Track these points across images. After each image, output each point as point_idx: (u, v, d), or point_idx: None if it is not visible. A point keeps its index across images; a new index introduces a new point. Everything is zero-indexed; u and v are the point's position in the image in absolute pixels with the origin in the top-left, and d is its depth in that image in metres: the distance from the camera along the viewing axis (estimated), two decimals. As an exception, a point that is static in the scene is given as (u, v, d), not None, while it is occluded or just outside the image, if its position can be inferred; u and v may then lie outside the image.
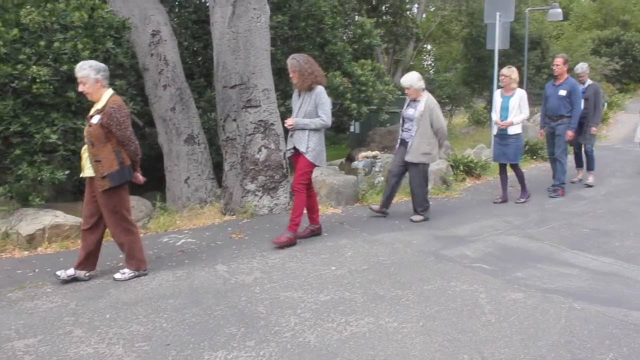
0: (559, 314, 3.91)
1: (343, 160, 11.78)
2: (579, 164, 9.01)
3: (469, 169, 9.02)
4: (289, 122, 5.59)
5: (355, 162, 8.32)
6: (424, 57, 29.92)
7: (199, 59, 9.66)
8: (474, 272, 4.78)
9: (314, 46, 9.82)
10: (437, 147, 6.65)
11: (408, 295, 4.28)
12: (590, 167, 8.79)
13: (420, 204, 6.66)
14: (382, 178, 8.18)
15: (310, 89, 5.47)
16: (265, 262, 5.12)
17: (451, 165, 8.75)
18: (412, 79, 6.51)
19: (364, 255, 5.29)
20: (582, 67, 8.65)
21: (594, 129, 8.40)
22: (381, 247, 5.56)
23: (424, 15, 24.89)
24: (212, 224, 6.63)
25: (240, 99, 6.85)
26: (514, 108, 7.28)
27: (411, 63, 23.77)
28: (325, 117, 5.50)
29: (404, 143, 6.67)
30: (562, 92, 7.81)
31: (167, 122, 7.38)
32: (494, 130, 7.60)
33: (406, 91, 6.61)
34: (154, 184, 9.22)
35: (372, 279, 4.64)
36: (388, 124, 11.68)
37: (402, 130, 6.72)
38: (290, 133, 5.71)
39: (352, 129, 13.55)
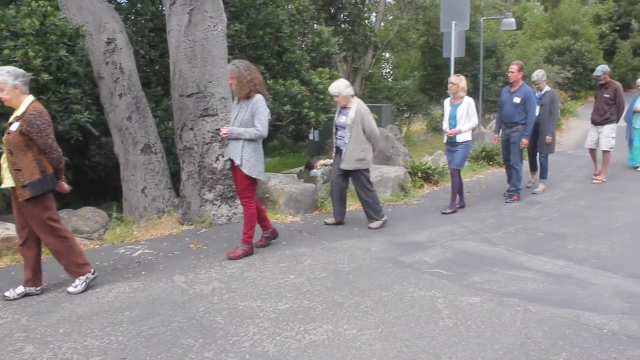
0: (515, 316, 4.00)
1: (302, 168, 11.78)
2: (533, 168, 9.16)
3: (427, 176, 9.13)
4: (223, 130, 5.48)
5: (314, 170, 8.33)
6: (383, 65, 30.21)
7: (156, 67, 9.55)
8: (431, 278, 4.84)
9: (271, 54, 9.83)
10: (372, 152, 6.65)
11: (367, 302, 4.31)
12: (542, 176, 8.94)
13: (372, 209, 6.66)
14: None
15: (248, 97, 5.36)
16: (224, 271, 5.09)
17: (409, 172, 8.84)
18: (339, 86, 6.49)
19: (322, 263, 5.31)
20: (538, 74, 8.72)
21: (548, 137, 8.46)
22: (340, 254, 5.58)
23: (382, 24, 25.15)
24: (169, 234, 6.56)
25: (197, 108, 6.80)
26: (461, 116, 7.31)
27: (370, 71, 23.98)
28: (261, 127, 5.35)
29: (339, 151, 6.67)
30: (517, 100, 7.88)
31: (123, 132, 7.27)
32: (445, 139, 7.65)
33: (335, 99, 6.60)
34: (111, 194, 9.09)
35: (331, 286, 4.66)
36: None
37: (336, 139, 6.71)
38: (225, 142, 5.62)
39: (311, 137, 13.59)
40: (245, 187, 5.47)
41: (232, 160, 5.48)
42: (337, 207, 6.82)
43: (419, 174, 9.08)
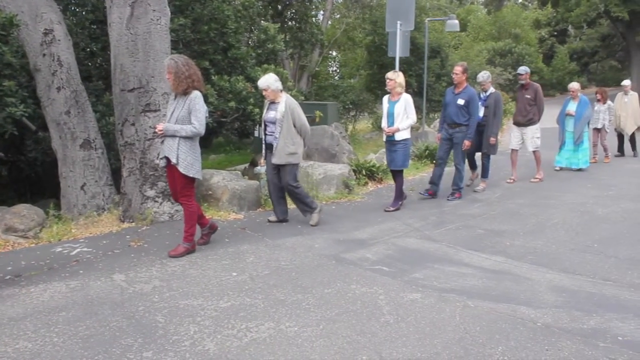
0: (454, 312, 4.08)
1: (247, 165, 11.70)
2: (472, 166, 9.34)
3: (372, 174, 9.23)
4: (158, 127, 5.32)
5: (258, 167, 8.28)
6: (330, 64, 30.34)
7: (97, 60, 9.31)
8: (374, 275, 4.89)
9: (216, 50, 9.72)
10: (302, 147, 6.64)
11: (309, 299, 4.32)
12: (483, 175, 9.11)
13: (304, 202, 6.65)
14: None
15: (185, 93, 5.24)
16: (165, 270, 5.00)
17: (354, 170, 8.91)
18: (268, 80, 6.42)
19: (265, 260, 5.29)
20: (483, 75, 8.84)
21: (492, 139, 8.65)
22: (283, 251, 5.58)
23: (329, 22, 25.25)
24: (109, 232, 6.40)
25: (139, 103, 6.66)
26: (399, 114, 7.24)
27: (316, 69, 24.04)
28: (198, 124, 5.23)
29: (269, 147, 6.60)
30: (461, 101, 7.93)
31: (62, 126, 7.04)
32: (384, 137, 7.63)
33: (264, 93, 6.50)
34: (49, 191, 8.80)
35: (274, 284, 4.65)
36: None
37: (266, 135, 6.63)
38: (161, 140, 5.48)
39: (256, 134, 13.49)
40: (183, 186, 5.38)
41: (167, 159, 5.34)
42: (278, 205, 6.78)
43: (364, 172, 9.17)
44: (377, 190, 8.68)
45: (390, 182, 9.45)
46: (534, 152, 9.70)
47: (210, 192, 7.36)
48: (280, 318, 3.96)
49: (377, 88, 17.96)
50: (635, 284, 4.68)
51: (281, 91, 6.51)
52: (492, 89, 8.82)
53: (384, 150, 12.05)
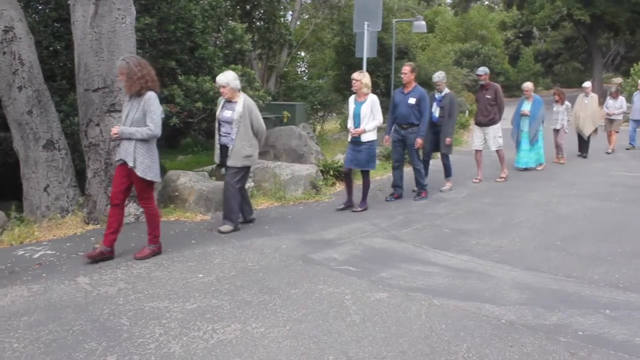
0: (420, 310, 4.12)
1: (214, 166, 11.61)
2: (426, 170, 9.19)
3: (339, 174, 9.21)
4: (113, 130, 5.16)
5: (223, 169, 8.18)
6: (298, 64, 30.32)
7: (61, 59, 9.13)
8: (340, 275, 4.91)
9: (183, 50, 9.62)
10: (258, 149, 6.50)
11: (275, 300, 4.31)
12: (447, 175, 9.12)
13: (233, 213, 6.40)
14: (253, 184, 8.17)
15: (139, 94, 5.10)
16: (131, 272, 4.94)
17: (321, 170, 8.91)
18: (228, 77, 6.26)
19: (232, 261, 5.26)
20: (439, 75, 8.86)
21: (448, 139, 8.67)
22: (250, 252, 5.56)
23: (298, 23, 25.23)
24: (74, 234, 6.29)
25: (103, 103, 6.56)
26: (366, 115, 7.20)
27: (285, 69, 24.00)
28: (154, 126, 5.09)
29: (224, 149, 6.40)
30: (412, 101, 7.90)
31: (24, 126, 6.89)
32: (349, 137, 7.56)
33: (221, 90, 6.28)
34: (11, 193, 8.59)
35: (240, 285, 4.63)
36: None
37: (220, 135, 6.42)
38: (117, 142, 5.31)
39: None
40: (142, 189, 5.27)
41: (124, 162, 5.19)
42: (241, 205, 6.61)
43: (331, 172, 9.17)
44: (343, 191, 8.64)
45: (359, 182, 9.49)
46: (497, 151, 9.81)
47: (176, 194, 7.29)
48: (246, 319, 3.95)
49: (345, 88, 17.97)
50: (596, 280, 4.79)
51: (239, 91, 6.36)
52: (446, 90, 8.83)
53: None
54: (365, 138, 7.29)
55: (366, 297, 4.38)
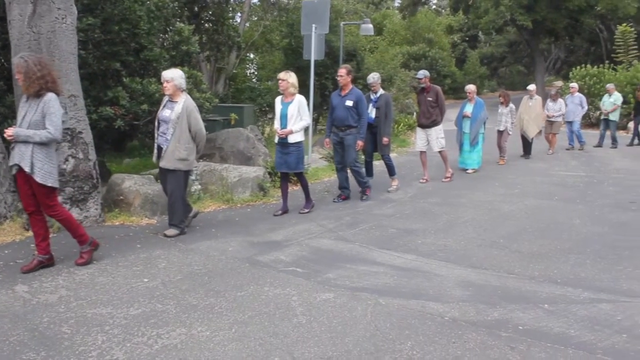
0: (366, 310, 4.16)
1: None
2: (369, 173, 9.24)
3: (286, 176, 9.19)
4: (8, 132, 4.79)
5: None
6: (248, 66, 30.15)
7: (-1, 60, 8.83)
8: (287, 276, 4.91)
9: (128, 51, 9.42)
10: (195, 153, 6.30)
11: (221, 303, 4.28)
12: (391, 173, 9.19)
13: (177, 216, 6.25)
14: (199, 186, 8.09)
15: (38, 95, 4.79)
16: (72, 278, 4.82)
17: (269, 172, 8.88)
18: (175, 74, 6.11)
19: (178, 265, 5.20)
20: (373, 77, 8.90)
21: (385, 139, 8.71)
22: (196, 256, 5.50)
23: (247, 24, 25.10)
24: (12, 241, 6.07)
25: (43, 105, 6.37)
26: (293, 115, 7.12)
27: (234, 71, 23.83)
28: (53, 129, 4.76)
29: (160, 149, 6.22)
30: (349, 103, 7.88)
31: (-42, 130, 6.64)
32: (276, 139, 7.45)
33: (165, 84, 6.10)
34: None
35: (186, 289, 4.57)
36: (207, 132, 11.58)
37: (158, 135, 6.25)
38: (12, 145, 4.98)
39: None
40: (44, 196, 4.93)
41: (19, 167, 4.85)
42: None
43: (279, 174, 9.12)
44: (293, 192, 8.66)
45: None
46: (440, 152, 9.94)
47: (121, 197, 7.14)
48: (192, 323, 3.91)
49: (294, 91, 18.06)
50: (536, 276, 4.94)
51: (183, 91, 6.21)
52: (381, 91, 8.90)
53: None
54: (292, 139, 7.20)
55: (312, 297, 4.40)
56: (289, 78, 7.16)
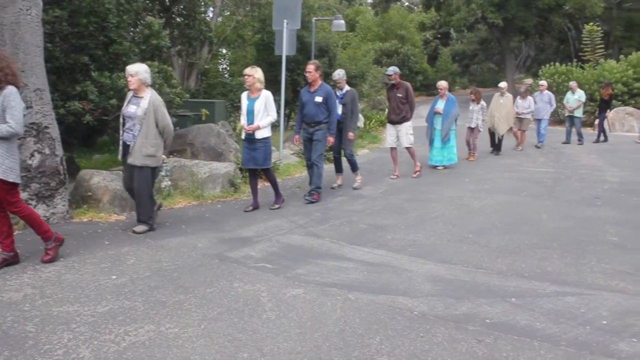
0: (335, 305, 4.17)
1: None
2: (338, 169, 9.25)
3: (257, 172, 9.13)
4: None
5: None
6: (220, 61, 29.96)
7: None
8: (257, 272, 4.90)
9: (97, 45, 9.27)
10: (162, 149, 6.23)
11: (191, 299, 4.25)
12: (353, 169, 9.12)
13: (145, 212, 6.17)
14: (169, 182, 8.01)
15: None
16: (38, 276, 4.73)
17: (240, 169, 8.82)
18: (139, 68, 6.03)
19: (147, 261, 5.14)
20: (339, 73, 8.84)
21: (351, 134, 8.66)
22: (166, 252, 5.45)
23: (219, 19, 24.92)
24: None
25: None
26: (259, 111, 7.06)
27: (206, 66, 23.66)
28: (14, 123, 4.63)
29: (126, 146, 6.10)
30: (318, 99, 7.83)
31: None
32: (242, 135, 7.41)
33: (129, 79, 5.98)
34: None
35: (155, 285, 4.53)
36: (177, 128, 11.48)
37: (123, 131, 6.12)
38: None
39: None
40: (6, 193, 4.78)
41: None
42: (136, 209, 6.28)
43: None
44: (264, 188, 8.64)
45: (278, 179, 9.45)
46: (408, 148, 9.95)
47: (90, 194, 7.04)
48: (160, 320, 3.87)
49: (266, 86, 17.97)
50: (504, 271, 5.01)
51: (148, 86, 6.11)
52: (347, 87, 8.85)
53: (272, 148, 12.09)
54: (260, 135, 7.15)
55: (282, 293, 4.39)
56: (255, 73, 7.10)
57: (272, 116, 7.21)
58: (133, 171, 6.10)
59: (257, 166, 7.33)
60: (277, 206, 7.43)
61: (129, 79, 6.01)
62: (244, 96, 7.37)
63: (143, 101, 6.00)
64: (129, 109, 6.06)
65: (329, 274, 4.89)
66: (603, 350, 3.50)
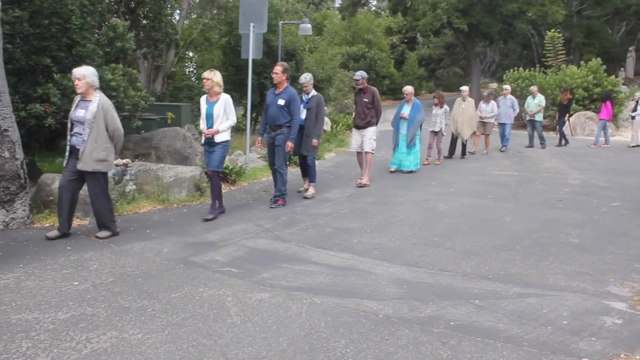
0: (301, 309, 4.16)
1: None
2: (304, 173, 9.03)
3: (224, 175, 9.09)
4: None
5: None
6: (187, 64, 29.71)
7: None
8: (222, 277, 4.86)
9: (59, 47, 9.11)
10: (114, 153, 6.11)
11: (155, 305, 4.20)
12: (311, 179, 8.84)
13: (105, 219, 6.07)
14: (134, 187, 7.90)
15: None
16: (-4, 283, 4.62)
17: (206, 172, 8.75)
18: (86, 71, 5.87)
19: (110, 267, 5.06)
20: (305, 77, 8.67)
21: (315, 141, 8.48)
22: (130, 257, 5.37)
23: (186, 22, 24.73)
24: None
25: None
26: (219, 115, 6.95)
27: (173, 69, 23.45)
28: None
29: (74, 151, 5.92)
30: (281, 102, 7.69)
31: None
32: (202, 139, 7.26)
33: (75, 82, 5.81)
34: None
35: (118, 291, 4.46)
36: (143, 131, 11.36)
37: (71, 136, 5.94)
38: None
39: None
40: None
41: None
42: (66, 215, 6.01)
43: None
44: (230, 192, 8.62)
45: (244, 183, 9.48)
46: (367, 153, 9.73)
47: (51, 198, 6.88)
48: (123, 326, 3.81)
49: (233, 90, 17.76)
50: (468, 273, 5.06)
51: (95, 89, 5.94)
52: (313, 92, 8.66)
53: (239, 151, 12.07)
54: (218, 138, 7.03)
55: (247, 298, 4.37)
56: (214, 77, 6.99)
57: (232, 120, 7.10)
58: (78, 177, 5.95)
59: (211, 168, 7.15)
60: (211, 216, 7.02)
61: (76, 82, 5.84)
62: (202, 100, 7.25)
63: (92, 104, 5.86)
64: (77, 113, 5.89)
65: (294, 277, 4.89)
66: (563, 349, 3.57)
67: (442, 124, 12.31)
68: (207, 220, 6.93)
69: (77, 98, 5.99)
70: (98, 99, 5.89)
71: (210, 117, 7.02)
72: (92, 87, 5.90)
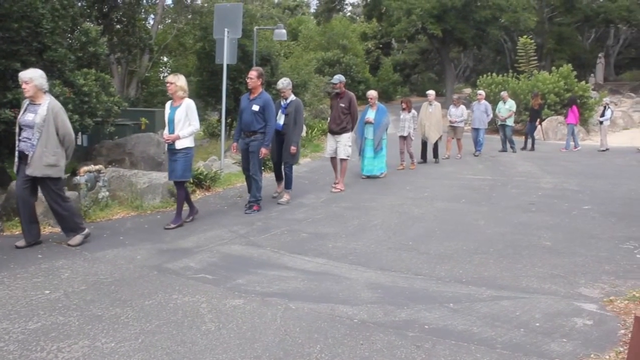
0: (275, 315, 4.16)
1: (67, 175, 10.97)
2: (278, 178, 9.01)
3: (199, 181, 9.05)
4: None
5: (77, 177, 7.68)
6: (161, 69, 29.55)
7: None
8: (196, 283, 4.83)
9: (30, 51, 9.00)
10: (64, 158, 5.91)
11: (128, 312, 4.15)
12: (286, 186, 8.76)
13: (70, 222, 5.95)
14: (107, 193, 7.80)
15: None
16: (-36, 293, 4.52)
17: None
18: (34, 74, 5.67)
19: (83, 275, 4.99)
20: (283, 82, 8.51)
21: (293, 148, 8.34)
22: (102, 265, 5.30)
23: (160, 27, 24.59)
24: None
25: None
26: (180, 120, 6.74)
27: (147, 74, 23.30)
28: None
29: (23, 156, 5.75)
30: (255, 107, 7.56)
31: None
32: (165, 145, 7.08)
33: (23, 86, 5.64)
34: None
35: (91, 299, 4.40)
36: (116, 137, 11.26)
37: (19, 141, 5.75)
38: None
39: (79, 141, 12.74)
40: None
41: None
42: (28, 224, 5.85)
43: (191, 180, 8.95)
44: (205, 198, 8.56)
45: (219, 189, 9.42)
46: (343, 160, 9.69)
47: (22, 205, 6.78)
48: (96, 335, 3.76)
49: (208, 95, 17.75)
50: (442, 277, 5.10)
51: (45, 92, 5.78)
52: (292, 97, 8.55)
53: (214, 157, 12.00)
54: (180, 145, 6.79)
55: (222, 304, 4.35)
56: (177, 81, 6.81)
57: (194, 126, 6.90)
58: (32, 184, 5.82)
59: (175, 178, 6.93)
60: (172, 226, 6.82)
61: (24, 86, 5.67)
62: (167, 105, 7.06)
63: (41, 108, 5.69)
64: (26, 117, 5.72)
65: (269, 283, 4.87)
66: (535, 351, 3.61)
67: (410, 128, 12.34)
68: (167, 229, 6.76)
69: (26, 102, 5.81)
70: (48, 102, 5.72)
71: (171, 122, 6.83)
72: (41, 90, 5.73)
